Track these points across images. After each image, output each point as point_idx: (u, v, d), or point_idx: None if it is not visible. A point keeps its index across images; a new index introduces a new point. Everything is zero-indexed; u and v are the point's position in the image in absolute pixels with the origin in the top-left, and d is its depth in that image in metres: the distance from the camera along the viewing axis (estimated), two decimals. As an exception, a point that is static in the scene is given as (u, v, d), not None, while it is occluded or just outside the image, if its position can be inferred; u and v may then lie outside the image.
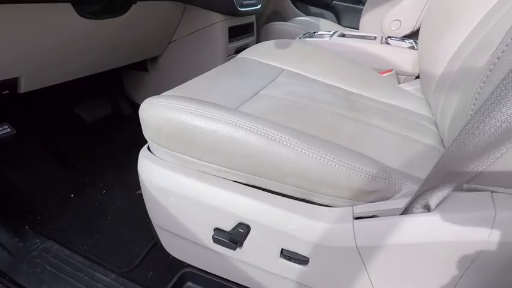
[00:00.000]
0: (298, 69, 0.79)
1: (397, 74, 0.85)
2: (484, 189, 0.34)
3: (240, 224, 0.45)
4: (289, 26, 1.33)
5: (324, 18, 1.81)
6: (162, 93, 0.56)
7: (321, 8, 1.83)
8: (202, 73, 0.67)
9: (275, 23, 1.36)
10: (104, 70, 0.95)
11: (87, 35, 0.77)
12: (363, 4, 1.69)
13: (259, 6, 1.16)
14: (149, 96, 0.50)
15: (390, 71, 0.83)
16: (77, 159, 1.01)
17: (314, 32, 1.11)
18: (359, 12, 1.72)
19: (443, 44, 0.64)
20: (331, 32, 1.07)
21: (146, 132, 0.50)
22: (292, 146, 0.40)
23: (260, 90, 0.63)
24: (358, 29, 1.75)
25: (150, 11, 0.91)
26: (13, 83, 0.71)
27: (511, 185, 0.33)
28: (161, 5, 0.93)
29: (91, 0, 0.72)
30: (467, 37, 0.56)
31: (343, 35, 1.03)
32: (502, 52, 0.33)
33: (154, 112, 0.47)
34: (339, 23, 1.80)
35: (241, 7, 1.05)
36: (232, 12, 1.02)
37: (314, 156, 0.39)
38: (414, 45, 0.97)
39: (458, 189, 0.35)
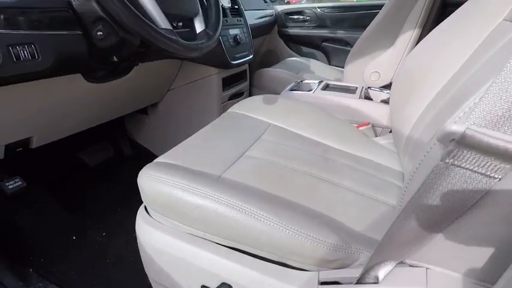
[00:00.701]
0: (284, 123, 0.87)
1: (374, 127, 0.94)
2: (421, 265, 0.41)
3: (223, 284, 0.52)
4: (280, 72, 1.43)
5: (316, 57, 1.93)
6: (159, 158, 0.64)
7: (312, 48, 1.96)
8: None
9: (267, 69, 1.47)
10: (108, 120, 1.04)
11: (93, 95, 0.87)
12: (350, 46, 1.82)
13: (250, 57, 1.27)
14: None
15: (367, 124, 0.92)
16: (79, 203, 1.08)
17: (301, 81, 1.20)
18: (346, 53, 1.84)
19: (409, 107, 0.72)
20: (317, 82, 1.17)
21: (144, 198, 0.58)
22: (265, 221, 0.47)
23: (246, 151, 0.71)
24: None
25: (150, 68, 1.01)
26: (26, 141, 0.80)
27: (443, 263, 0.39)
28: (160, 62, 1.04)
29: (97, 67, 0.81)
30: (429, 104, 0.64)
31: (327, 86, 1.13)
32: (430, 148, 0.40)
33: (151, 184, 0.54)
34: (329, 63, 1.91)
35: (234, 60, 1.15)
36: (225, 66, 1.13)
37: (283, 230, 0.46)
38: (391, 95, 1.06)
39: (401, 263, 0.42)
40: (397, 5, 1.07)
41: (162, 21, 0.62)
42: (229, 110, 0.95)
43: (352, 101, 0.96)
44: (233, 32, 1.16)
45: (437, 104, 0.59)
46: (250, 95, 1.49)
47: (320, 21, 1.88)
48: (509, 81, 0.27)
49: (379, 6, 1.74)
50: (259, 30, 1.63)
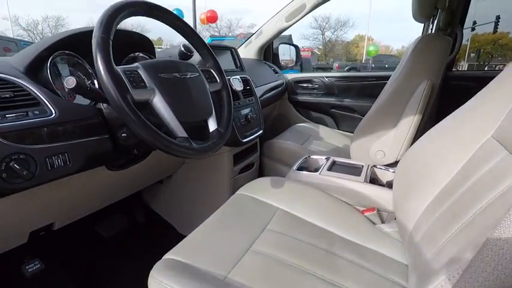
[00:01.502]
0: (291, 208, 0.91)
1: (380, 211, 0.96)
2: None
3: None
4: (289, 144, 1.50)
5: (325, 122, 2.02)
6: (169, 254, 0.67)
7: (321, 113, 2.05)
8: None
9: (277, 140, 1.54)
10: (125, 196, 1.11)
11: (113, 179, 0.94)
12: (357, 113, 1.90)
13: (260, 132, 1.35)
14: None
15: (373, 210, 0.94)
16: (95, 282, 1.11)
17: (309, 156, 1.26)
18: (354, 119, 1.92)
19: (413, 201, 0.74)
20: (324, 158, 1.22)
21: None
22: None
23: (253, 243, 0.74)
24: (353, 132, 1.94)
25: (167, 149, 1.09)
26: (49, 226, 0.86)
27: None
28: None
29: (118, 156, 0.89)
30: (434, 200, 0.66)
31: (333, 164, 1.17)
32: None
33: (159, 289, 0.58)
34: (338, 127, 1.99)
35: (244, 138, 1.23)
36: (236, 144, 1.20)
37: None
38: (397, 175, 1.09)
39: None
40: (398, 90, 1.14)
41: (178, 129, 0.70)
42: (239, 191, 1.00)
43: (357, 185, 1.00)
44: (244, 112, 1.25)
45: (442, 203, 0.62)
46: (260, 164, 1.55)
47: (328, 89, 1.99)
48: None
49: (383, 77, 1.85)
50: (270, 100, 1.74)
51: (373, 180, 1.08)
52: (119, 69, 0.63)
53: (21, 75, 0.69)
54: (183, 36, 0.86)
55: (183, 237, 0.74)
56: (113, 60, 0.61)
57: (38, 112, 0.65)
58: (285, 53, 2.42)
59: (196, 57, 0.95)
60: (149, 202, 1.51)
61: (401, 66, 1.34)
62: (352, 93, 1.93)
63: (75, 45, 0.78)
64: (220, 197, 1.31)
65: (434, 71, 1.09)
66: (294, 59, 2.46)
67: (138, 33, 0.93)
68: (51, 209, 0.82)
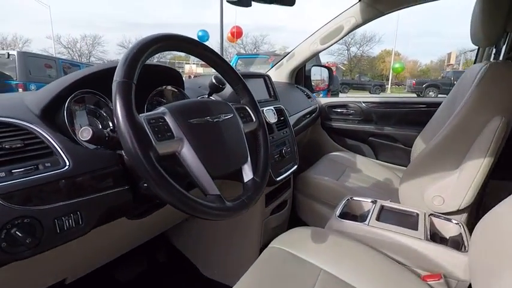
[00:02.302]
0: (336, 271, 0.76)
1: (447, 278, 0.78)
2: None
3: None
4: (327, 181, 1.35)
5: (361, 151, 1.85)
6: None
7: (357, 141, 1.88)
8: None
9: (313, 175, 1.39)
10: (145, 241, 1.00)
11: (132, 227, 0.84)
12: (400, 142, 1.72)
13: (295, 167, 1.21)
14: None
15: (438, 277, 0.76)
16: None
17: (351, 198, 1.10)
18: (395, 149, 1.74)
19: (509, 280, 0.57)
20: (370, 202, 1.06)
21: None
22: None
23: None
24: (395, 163, 1.75)
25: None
26: (61, 281, 0.76)
27: None
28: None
29: (138, 206, 0.79)
30: None
31: (381, 209, 1.01)
32: None
33: None
34: (376, 157, 1.81)
35: (278, 176, 1.10)
36: (269, 184, 1.07)
37: None
38: (464, 228, 0.91)
39: None
40: (462, 125, 0.97)
41: (208, 186, 0.58)
42: (275, 244, 0.86)
43: (416, 243, 0.83)
44: (278, 146, 1.13)
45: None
46: (293, 201, 1.41)
47: (365, 115, 1.83)
48: None
49: (429, 104, 1.67)
50: (303, 128, 1.60)
51: (434, 235, 0.91)
52: (142, 117, 0.53)
53: (35, 120, 0.60)
54: (215, 69, 0.76)
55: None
56: (134, 109, 0.51)
57: (49, 164, 0.56)
58: (317, 75, 2.31)
59: (227, 90, 0.85)
60: (172, 238, 1.40)
61: (457, 95, 1.17)
62: (393, 120, 1.76)
63: (98, 82, 0.70)
64: (250, 239, 1.18)
65: (509, 105, 0.91)
66: (326, 81, 2.33)
67: (166, 66, 0.84)
68: (61, 266, 0.73)
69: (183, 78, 0.93)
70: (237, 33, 11.21)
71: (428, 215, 0.97)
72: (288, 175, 1.17)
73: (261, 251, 0.91)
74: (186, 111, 0.60)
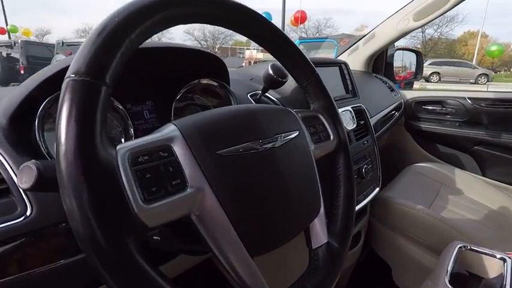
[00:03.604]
0: None
1: None
2: None
3: None
4: (418, 210, 0.97)
5: (461, 164, 1.40)
6: None
7: (454, 149, 1.44)
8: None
9: (397, 201, 1.03)
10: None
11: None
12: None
13: (377, 190, 0.88)
14: None
15: None
16: None
17: (464, 247, 0.74)
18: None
19: None
20: (497, 258, 0.69)
21: None
22: None
23: None
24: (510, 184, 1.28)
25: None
26: None
27: None
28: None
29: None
30: None
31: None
32: None
33: None
34: (483, 174, 1.35)
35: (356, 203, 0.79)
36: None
37: None
38: None
39: None
40: None
41: (245, 272, 0.31)
42: None
43: None
44: (357, 164, 0.81)
45: None
46: (368, 230, 1.07)
47: (471, 116, 1.37)
48: None
49: None
50: (385, 132, 1.23)
51: None
52: (123, 151, 0.27)
53: None
54: (275, 55, 0.47)
55: None
56: (101, 136, 0.25)
57: (1, 209, 0.35)
58: (397, 62, 1.87)
59: (289, 85, 0.56)
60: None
61: None
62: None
63: None
64: None
65: None
66: (409, 68, 1.88)
67: (200, 49, 0.58)
68: None
69: (229, 68, 0.66)
70: (301, 18, 10.68)
71: None
72: (367, 203, 0.85)
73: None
74: (213, 132, 0.33)
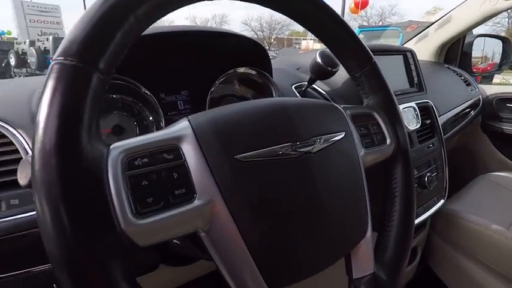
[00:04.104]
0: None
1: None
2: None
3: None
4: (495, 231, 0.81)
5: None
6: None
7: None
8: None
9: (461, 211, 0.87)
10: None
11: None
12: None
13: (441, 202, 0.75)
14: None
15: None
16: None
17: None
18: None
19: None
20: None
21: None
22: None
23: None
24: None
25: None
26: None
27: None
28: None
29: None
30: None
31: None
32: None
33: None
34: None
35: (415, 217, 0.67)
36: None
37: None
38: None
39: None
40: None
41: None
42: None
43: None
44: (419, 170, 0.69)
45: None
46: (427, 244, 0.93)
47: None
48: None
49: None
50: (456, 133, 1.05)
51: None
52: (115, 150, 0.22)
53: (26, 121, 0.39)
54: (323, 39, 0.39)
55: None
56: (89, 130, 0.21)
57: (17, 201, 0.34)
58: (476, 51, 1.59)
59: (339, 76, 0.48)
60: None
61: None
62: None
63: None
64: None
65: None
66: (497, 60, 1.60)
67: (245, 36, 0.52)
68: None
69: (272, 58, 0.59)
70: (362, 3, 9.99)
71: None
72: (426, 218, 0.72)
73: None
74: (232, 132, 0.26)
